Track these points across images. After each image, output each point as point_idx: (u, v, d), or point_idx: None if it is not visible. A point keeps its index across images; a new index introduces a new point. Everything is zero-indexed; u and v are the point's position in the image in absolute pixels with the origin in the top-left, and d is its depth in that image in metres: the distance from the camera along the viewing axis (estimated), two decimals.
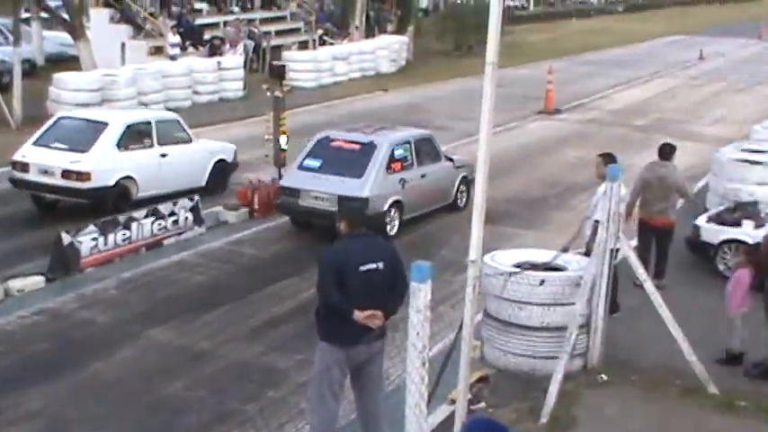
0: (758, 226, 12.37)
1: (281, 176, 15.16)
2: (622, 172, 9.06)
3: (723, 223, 12.75)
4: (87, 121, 14.49)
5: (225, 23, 31.11)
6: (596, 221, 9.14)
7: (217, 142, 16.50)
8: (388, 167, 13.46)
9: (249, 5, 34.34)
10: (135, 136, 14.43)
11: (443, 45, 39.11)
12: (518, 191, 17.49)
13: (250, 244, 13.65)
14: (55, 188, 13.79)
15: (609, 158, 10.18)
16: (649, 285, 8.86)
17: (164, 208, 13.41)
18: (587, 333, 9.07)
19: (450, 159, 15.07)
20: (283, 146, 15.63)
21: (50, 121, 14.73)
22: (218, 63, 26.22)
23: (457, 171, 15.10)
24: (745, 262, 9.64)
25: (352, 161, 13.26)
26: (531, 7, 74.84)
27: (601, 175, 9.72)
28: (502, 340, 9.05)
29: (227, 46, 28.76)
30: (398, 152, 13.74)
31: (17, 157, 14.16)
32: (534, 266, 9.05)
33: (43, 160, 13.83)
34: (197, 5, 32.12)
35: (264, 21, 33.28)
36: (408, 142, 14.07)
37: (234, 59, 27.20)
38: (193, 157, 15.36)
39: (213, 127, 21.24)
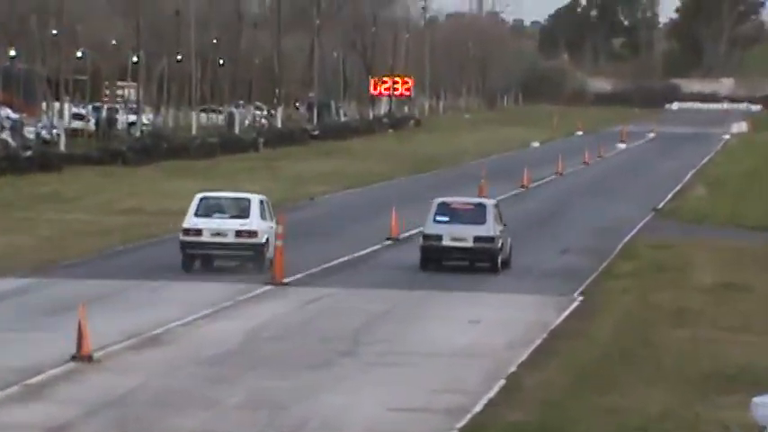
0: None
1: None
2: None
3: None
4: (232, 198, 33.93)
5: None
6: None
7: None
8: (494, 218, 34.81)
9: None
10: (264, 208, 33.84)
11: None
12: None
13: None
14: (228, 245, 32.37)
15: None
16: None
17: None
18: None
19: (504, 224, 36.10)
20: None
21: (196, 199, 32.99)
22: None
23: (506, 231, 36.12)
24: None
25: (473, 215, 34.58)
26: None
27: None
28: None
29: None
30: (494, 210, 35.53)
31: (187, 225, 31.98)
32: None
33: (213, 225, 32.16)
34: None
35: None
36: (496, 205, 36.19)
37: None
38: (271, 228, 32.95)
39: None
